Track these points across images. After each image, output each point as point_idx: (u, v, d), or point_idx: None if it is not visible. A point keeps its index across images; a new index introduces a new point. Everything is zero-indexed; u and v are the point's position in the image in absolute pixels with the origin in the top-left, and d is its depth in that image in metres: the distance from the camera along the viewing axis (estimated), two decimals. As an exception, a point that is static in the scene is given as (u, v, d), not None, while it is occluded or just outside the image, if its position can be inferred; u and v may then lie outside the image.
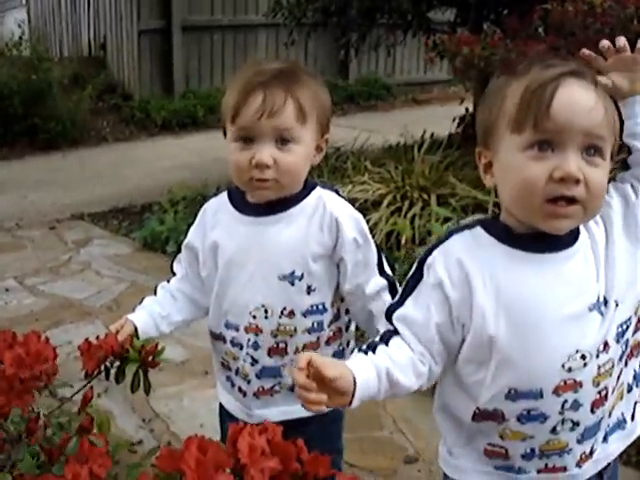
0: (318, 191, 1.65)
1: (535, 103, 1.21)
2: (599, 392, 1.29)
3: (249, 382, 1.69)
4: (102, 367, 1.43)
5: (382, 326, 1.40)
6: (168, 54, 9.17)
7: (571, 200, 1.20)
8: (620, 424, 1.37)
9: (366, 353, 1.29)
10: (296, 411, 1.66)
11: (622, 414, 1.37)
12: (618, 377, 1.33)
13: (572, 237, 1.29)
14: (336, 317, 1.70)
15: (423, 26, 6.23)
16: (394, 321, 1.34)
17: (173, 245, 4.71)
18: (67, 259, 4.78)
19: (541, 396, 1.26)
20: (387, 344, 1.31)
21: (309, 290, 1.63)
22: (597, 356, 1.27)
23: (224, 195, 1.72)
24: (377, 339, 1.34)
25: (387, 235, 3.88)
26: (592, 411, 1.29)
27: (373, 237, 1.70)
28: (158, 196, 5.63)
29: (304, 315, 1.64)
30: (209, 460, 0.96)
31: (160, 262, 4.62)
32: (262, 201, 1.63)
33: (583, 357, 1.26)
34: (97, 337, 1.47)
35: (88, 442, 1.11)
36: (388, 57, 9.67)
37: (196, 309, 1.77)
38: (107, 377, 1.44)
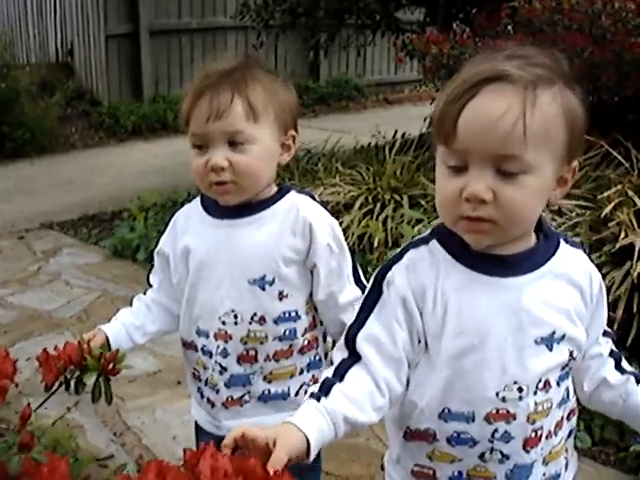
0: (292, 195, 1.62)
1: (446, 119, 1.14)
2: (534, 430, 1.24)
3: (217, 392, 1.66)
4: (62, 378, 1.39)
5: None
6: (136, 59, 9.09)
7: (480, 219, 1.14)
8: (555, 478, 1.31)
9: (318, 400, 1.18)
10: (266, 422, 1.63)
11: (560, 468, 1.32)
12: (559, 426, 1.28)
13: (534, 263, 1.22)
14: (312, 326, 1.66)
15: (392, 26, 6.22)
16: (358, 343, 1.24)
17: (143, 253, 4.66)
18: (36, 269, 4.70)
19: (473, 420, 1.22)
20: (342, 379, 1.21)
21: (281, 296, 1.59)
22: (535, 393, 1.23)
23: (196, 201, 1.69)
24: (331, 374, 1.23)
25: (359, 238, 3.84)
26: (525, 449, 1.24)
27: (345, 240, 1.67)
28: (128, 202, 5.55)
29: (275, 322, 1.60)
30: (168, 486, 0.91)
31: (130, 270, 4.57)
32: (229, 204, 1.59)
33: (520, 389, 1.21)
34: (55, 347, 1.42)
35: (48, 466, 1.06)
36: (358, 57, 9.69)
37: (171, 319, 1.73)
38: (67, 388, 1.40)
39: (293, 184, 3.83)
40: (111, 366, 1.41)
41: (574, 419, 1.35)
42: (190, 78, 1.59)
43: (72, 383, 1.42)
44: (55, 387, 1.42)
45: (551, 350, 1.22)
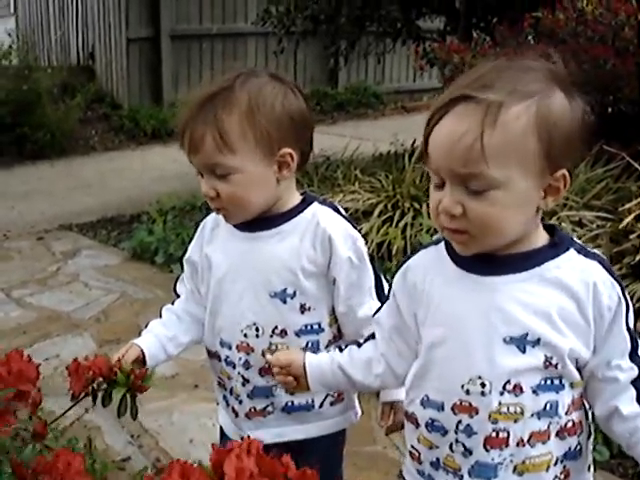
0: (314, 207, 1.59)
1: (423, 136, 1.23)
2: (495, 431, 1.25)
3: (241, 402, 1.65)
4: (89, 389, 1.39)
5: None
6: (157, 63, 9.14)
7: (456, 230, 1.21)
8: None
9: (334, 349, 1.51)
10: (289, 433, 1.64)
11: None
12: (537, 438, 1.26)
13: (524, 265, 1.24)
14: (336, 338, 1.64)
15: (412, 34, 6.23)
16: (373, 324, 1.46)
17: (162, 256, 4.68)
18: (55, 270, 4.73)
19: (442, 409, 1.29)
20: (360, 345, 1.47)
21: (303, 309, 1.58)
22: (501, 393, 1.24)
23: None
24: (358, 340, 1.50)
25: (378, 245, 3.84)
26: (485, 448, 1.26)
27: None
28: (147, 206, 5.59)
29: (297, 334, 1.59)
30: (192, 487, 0.92)
31: (149, 273, 4.59)
32: (233, 224, 1.60)
33: (483, 385, 1.24)
34: (86, 357, 1.43)
35: (63, 459, 1.06)
36: (377, 65, 9.68)
37: (202, 328, 1.71)
38: (94, 400, 1.40)
39: (312, 191, 3.83)
40: (139, 383, 1.41)
41: (573, 440, 1.30)
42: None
43: (99, 395, 1.42)
44: (80, 397, 1.43)
45: (524, 352, 1.23)
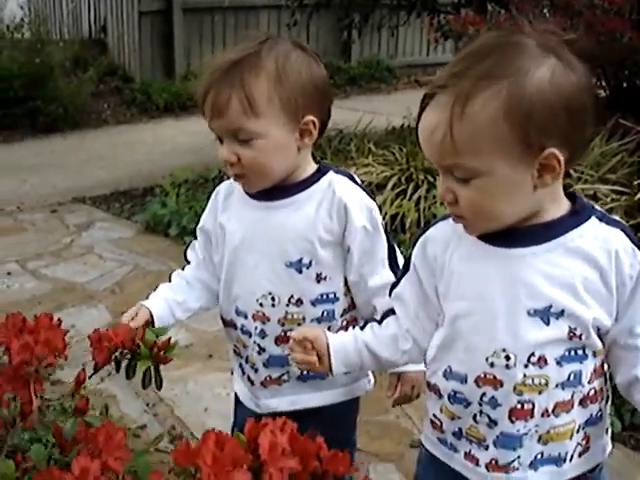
0: (330, 176, 1.59)
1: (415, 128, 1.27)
2: (520, 402, 1.26)
3: (256, 371, 1.66)
4: (112, 359, 1.39)
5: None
6: (169, 36, 9.11)
7: (455, 215, 1.26)
8: (558, 460, 1.31)
9: (354, 328, 1.50)
10: (304, 401, 1.65)
11: (565, 452, 1.31)
12: (562, 408, 1.27)
13: (547, 235, 1.24)
14: (350, 307, 1.65)
15: (428, 6, 6.17)
16: (392, 299, 1.45)
17: (175, 228, 4.69)
18: (69, 242, 4.75)
19: (465, 381, 1.30)
20: (380, 322, 1.47)
21: (319, 278, 1.59)
22: (526, 365, 1.25)
23: None
24: (375, 317, 1.50)
25: (392, 218, 3.84)
26: (510, 419, 1.27)
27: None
28: (160, 179, 5.59)
29: (313, 304, 1.59)
30: (226, 456, 0.92)
31: (163, 245, 4.61)
32: (251, 192, 1.60)
33: (507, 358, 1.25)
34: (107, 329, 1.43)
35: (103, 431, 1.06)
36: (391, 38, 9.62)
37: (212, 296, 1.73)
38: (117, 370, 1.41)
39: (337, 166, 3.83)
40: (162, 354, 1.41)
41: (595, 407, 1.32)
42: None
43: (122, 366, 1.42)
44: (102, 366, 1.42)
45: (547, 324, 1.24)
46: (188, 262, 1.76)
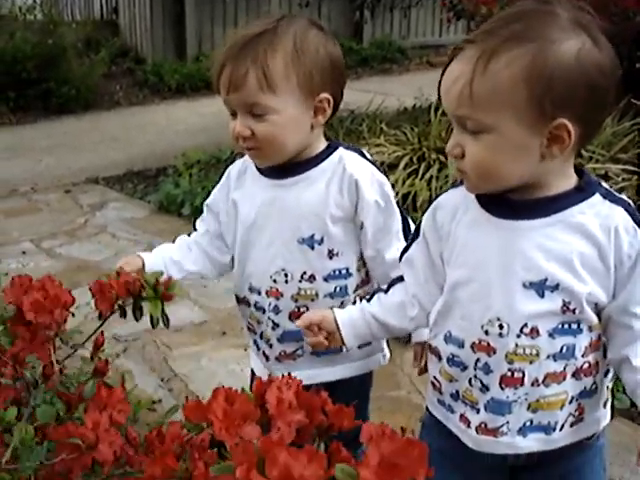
0: (340, 152, 1.61)
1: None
2: (510, 370, 1.29)
3: (271, 346, 1.68)
4: (116, 306, 1.42)
5: None
6: (181, 17, 9.12)
7: (459, 170, 1.29)
8: (547, 429, 1.33)
9: (360, 301, 1.55)
10: (320, 375, 1.67)
11: (555, 422, 1.33)
12: (553, 379, 1.29)
13: (548, 210, 1.26)
14: (364, 282, 1.67)
15: (439, -14, 6.16)
16: (401, 265, 1.48)
17: (188, 208, 4.72)
18: (83, 222, 4.79)
19: (462, 346, 1.34)
20: (387, 291, 1.51)
21: (331, 254, 1.61)
22: (518, 335, 1.27)
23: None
24: (381, 287, 1.54)
25: (404, 197, 3.86)
26: (500, 386, 1.31)
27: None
28: (172, 159, 5.63)
29: (326, 280, 1.61)
30: (236, 411, 0.95)
31: (176, 225, 4.64)
32: (263, 166, 1.62)
33: (501, 327, 1.28)
34: (107, 276, 1.46)
35: (104, 387, 1.10)
36: (403, 19, 9.58)
37: (210, 266, 1.75)
38: (124, 315, 1.43)
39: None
40: (166, 292, 1.43)
41: (589, 380, 1.32)
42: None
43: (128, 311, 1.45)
44: (109, 315, 1.44)
45: (542, 297, 1.26)
46: (196, 230, 1.78)
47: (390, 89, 7.72)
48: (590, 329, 1.29)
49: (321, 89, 1.54)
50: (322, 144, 1.62)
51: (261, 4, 9.54)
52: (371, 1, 6.54)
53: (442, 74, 1.26)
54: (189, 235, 1.78)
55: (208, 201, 1.76)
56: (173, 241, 1.78)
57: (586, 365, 1.31)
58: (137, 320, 1.42)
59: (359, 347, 1.67)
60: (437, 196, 1.43)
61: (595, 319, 1.29)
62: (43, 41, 7.71)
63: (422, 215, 1.43)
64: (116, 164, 5.97)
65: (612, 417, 1.43)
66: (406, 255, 1.47)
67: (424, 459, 0.79)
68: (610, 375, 1.37)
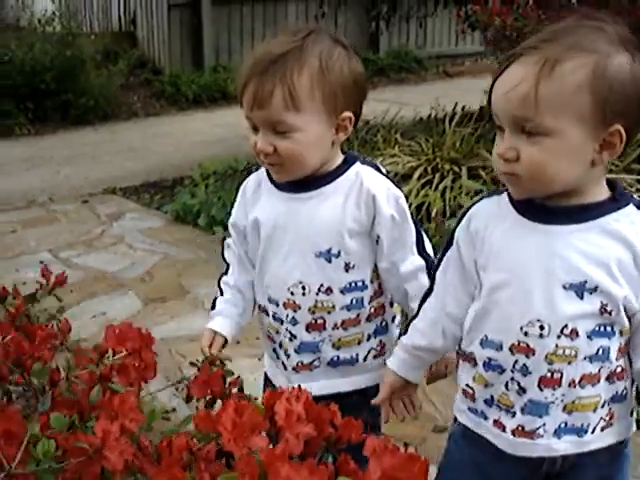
0: (357, 167, 1.62)
1: (492, 82, 1.33)
2: (550, 371, 1.33)
3: (288, 357, 1.69)
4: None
5: (416, 305, 1.55)
6: (198, 28, 9.18)
7: (509, 173, 1.31)
8: (579, 431, 1.37)
9: (399, 337, 1.58)
10: (335, 385, 1.68)
11: (587, 424, 1.37)
12: (588, 380, 1.34)
13: (586, 217, 1.31)
14: (378, 294, 1.68)
15: (455, -4, 6.18)
16: (435, 279, 1.50)
17: (204, 218, 4.75)
18: (100, 232, 4.83)
19: (501, 349, 1.36)
20: (417, 315, 1.53)
21: (347, 267, 1.62)
22: (558, 336, 1.31)
23: (263, 170, 1.70)
24: (411, 315, 1.57)
25: (417, 208, 3.87)
26: (540, 387, 1.34)
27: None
28: (189, 170, 5.67)
29: (342, 292, 1.62)
30: (245, 422, 0.97)
31: (192, 235, 4.67)
32: (283, 181, 1.63)
33: (541, 327, 1.32)
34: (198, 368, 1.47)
35: (118, 397, 1.12)
36: (419, 29, 9.60)
37: (252, 306, 1.77)
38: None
39: (363, 156, 3.86)
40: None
41: (621, 385, 1.37)
42: (251, 48, 1.59)
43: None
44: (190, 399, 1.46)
45: (581, 298, 1.30)
46: (227, 264, 1.79)
47: (406, 99, 7.74)
48: (621, 333, 1.34)
49: (344, 107, 1.56)
50: (339, 158, 1.64)
51: (278, 15, 9.59)
52: (387, 12, 6.55)
53: (496, 78, 1.30)
54: (226, 272, 1.77)
55: (232, 221, 1.77)
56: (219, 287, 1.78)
57: (619, 369, 1.36)
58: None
59: (374, 357, 1.69)
60: (469, 207, 1.47)
61: (627, 323, 1.34)
62: (62, 52, 7.78)
63: (436, 227, 1.45)
64: (133, 174, 6.02)
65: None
66: (441, 265, 1.49)
67: (425, 474, 0.80)
68: (635, 384, 1.42)
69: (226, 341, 1.67)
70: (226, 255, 1.80)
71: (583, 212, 1.31)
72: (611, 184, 1.35)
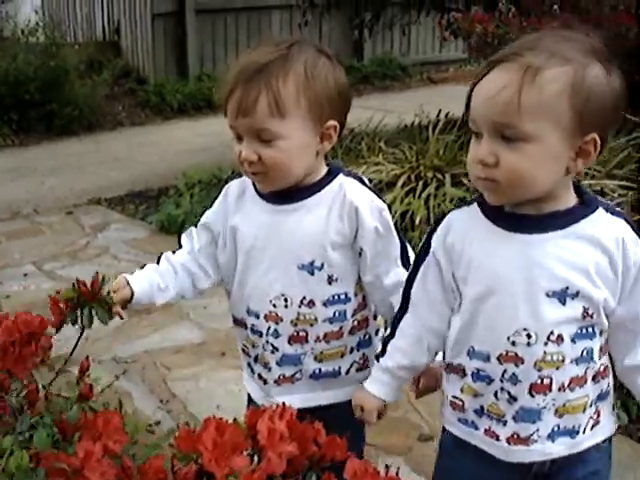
0: (340, 178, 1.61)
1: (469, 89, 1.34)
2: (540, 377, 1.35)
3: (270, 370, 1.68)
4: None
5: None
6: (182, 37, 9.17)
7: (487, 179, 1.31)
8: (572, 433, 1.40)
9: (377, 359, 1.55)
10: (317, 398, 1.68)
11: (579, 425, 1.40)
12: (576, 383, 1.37)
13: (560, 224, 1.33)
14: (361, 306, 1.67)
15: (437, 5, 6.19)
16: (410, 298, 1.49)
17: (189, 228, 4.73)
18: (85, 244, 4.82)
19: (488, 359, 1.38)
20: (394, 334, 1.52)
21: (330, 280, 1.61)
22: (545, 343, 1.33)
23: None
24: (388, 331, 1.55)
25: (401, 215, 3.88)
26: (531, 394, 1.36)
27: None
28: (174, 179, 5.66)
29: (325, 305, 1.62)
30: (226, 442, 0.95)
31: (176, 246, 4.53)
32: (266, 191, 1.62)
33: (529, 336, 1.34)
34: (57, 291, 1.51)
35: (102, 417, 1.11)
36: (403, 37, 9.63)
37: (192, 288, 1.72)
38: (74, 324, 1.48)
39: (347, 169, 3.86)
40: (101, 292, 1.48)
41: (605, 382, 1.42)
42: (235, 57, 1.58)
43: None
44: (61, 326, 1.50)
45: (564, 304, 1.33)
46: (181, 246, 1.75)
47: (390, 106, 7.75)
48: (601, 333, 1.38)
49: (329, 116, 1.56)
50: (323, 169, 1.63)
51: (262, 24, 9.60)
52: (370, 20, 6.56)
53: (476, 83, 1.31)
54: (174, 252, 1.74)
55: (204, 220, 1.74)
56: (158, 258, 1.74)
57: (602, 368, 1.41)
58: (89, 326, 1.48)
59: (357, 370, 1.69)
60: (440, 219, 1.47)
61: (606, 323, 1.37)
62: (45, 63, 7.74)
63: (420, 234, 1.46)
64: (118, 185, 6.00)
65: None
66: (417, 278, 1.49)
67: (404, 499, 0.80)
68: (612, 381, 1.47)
69: (132, 297, 1.61)
70: (183, 239, 1.76)
71: (556, 219, 1.33)
72: (577, 189, 1.37)
